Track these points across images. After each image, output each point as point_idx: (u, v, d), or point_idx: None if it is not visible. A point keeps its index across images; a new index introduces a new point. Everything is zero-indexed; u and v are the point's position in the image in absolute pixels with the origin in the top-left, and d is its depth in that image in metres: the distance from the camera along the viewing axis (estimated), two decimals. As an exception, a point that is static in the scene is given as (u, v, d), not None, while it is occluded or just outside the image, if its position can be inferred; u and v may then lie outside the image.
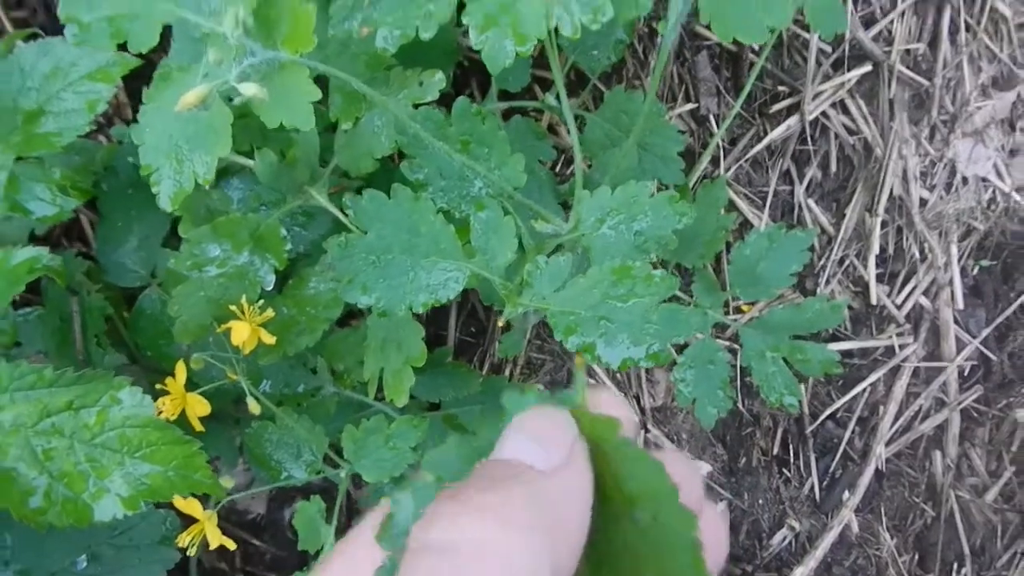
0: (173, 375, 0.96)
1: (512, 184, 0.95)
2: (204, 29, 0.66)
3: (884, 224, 1.71)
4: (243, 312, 0.95)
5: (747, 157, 1.63)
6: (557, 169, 1.53)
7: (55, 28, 1.24)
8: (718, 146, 1.64)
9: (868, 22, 1.62)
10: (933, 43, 1.66)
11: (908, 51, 1.64)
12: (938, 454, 1.70)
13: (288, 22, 0.65)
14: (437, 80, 0.92)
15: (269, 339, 0.94)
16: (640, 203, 0.91)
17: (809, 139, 1.68)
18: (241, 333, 0.93)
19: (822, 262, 1.72)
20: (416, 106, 0.94)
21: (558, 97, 1.33)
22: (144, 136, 0.70)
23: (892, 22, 1.62)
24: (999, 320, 1.72)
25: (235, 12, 0.63)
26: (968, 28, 1.65)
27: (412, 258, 0.87)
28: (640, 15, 0.92)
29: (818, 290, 1.71)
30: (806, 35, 1.58)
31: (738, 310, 1.71)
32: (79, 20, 0.72)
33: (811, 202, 1.72)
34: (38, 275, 0.77)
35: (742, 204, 1.69)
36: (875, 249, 1.69)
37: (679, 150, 1.35)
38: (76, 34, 0.71)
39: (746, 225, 1.72)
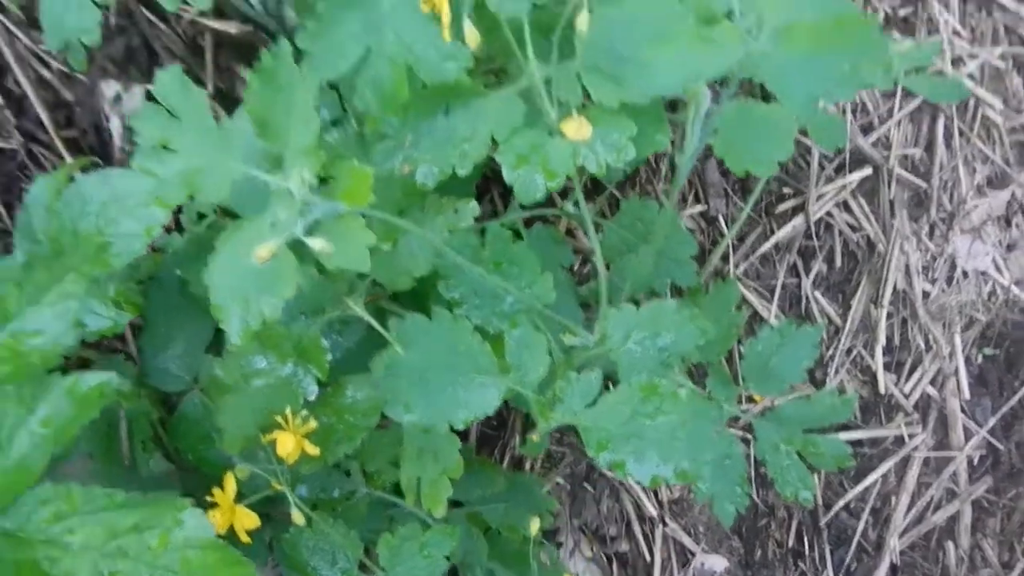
0: (212, 479, 1.00)
1: (542, 301, 1.01)
2: (272, 187, 0.73)
3: (889, 315, 1.77)
4: (287, 422, 1.00)
5: (756, 254, 1.70)
6: (575, 268, 1.59)
7: (104, 149, 1.33)
8: (727, 244, 1.71)
9: (867, 129, 1.71)
10: (929, 148, 1.75)
11: (906, 155, 1.73)
12: (951, 545, 1.72)
13: (348, 180, 0.72)
14: (471, 208, 0.99)
15: (313, 450, 0.99)
16: (664, 320, 0.97)
17: (814, 236, 1.75)
18: (286, 444, 0.98)
19: (831, 352, 1.78)
20: (451, 231, 1.01)
21: (576, 204, 1.41)
22: (215, 279, 0.77)
23: (889, 129, 1.71)
24: (1005, 409, 1.76)
25: (301, 172, 0.70)
26: (962, 133, 1.74)
27: (451, 375, 0.93)
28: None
29: (827, 380, 1.76)
30: (809, 142, 1.67)
31: (750, 399, 1.75)
32: (153, 172, 0.79)
33: (818, 294, 1.79)
34: (108, 401, 0.82)
35: (751, 297, 1.75)
36: (882, 340, 1.75)
37: (692, 253, 1.42)
38: (151, 185, 0.78)
39: (756, 316, 1.78)
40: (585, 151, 0.95)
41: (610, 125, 0.94)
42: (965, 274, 1.78)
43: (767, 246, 1.70)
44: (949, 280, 1.78)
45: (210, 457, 1.18)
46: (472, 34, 0.80)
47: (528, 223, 1.40)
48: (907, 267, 1.76)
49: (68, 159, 1.32)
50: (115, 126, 1.27)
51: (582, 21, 0.83)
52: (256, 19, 1.36)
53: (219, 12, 1.28)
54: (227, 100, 1.38)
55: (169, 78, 0.78)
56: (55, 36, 1.08)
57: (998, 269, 1.79)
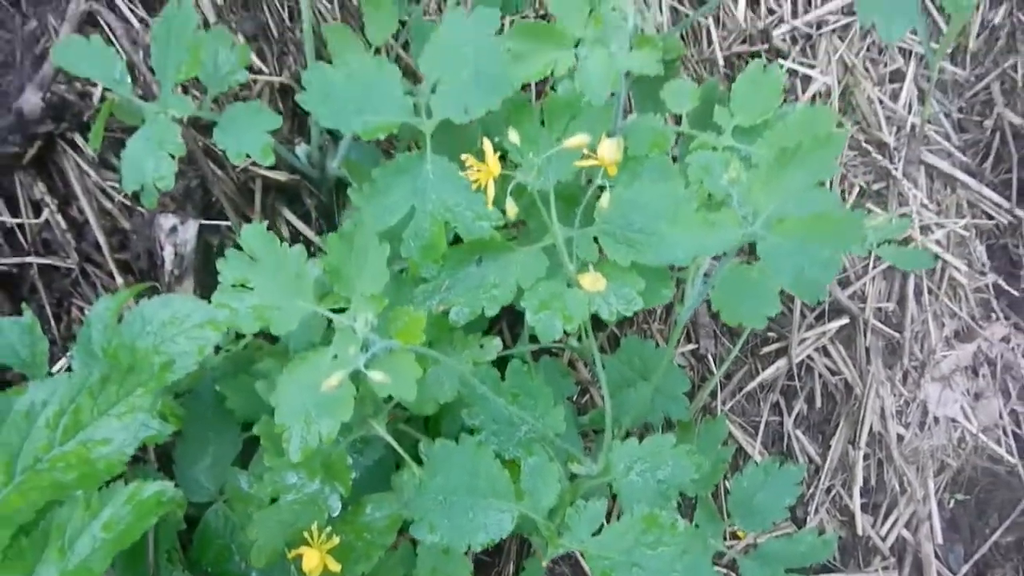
0: (233, 590, 1.07)
1: (553, 431, 1.12)
2: (337, 324, 0.85)
3: (866, 457, 1.88)
4: (312, 538, 1.08)
5: (742, 393, 1.83)
6: (574, 398, 1.70)
7: (153, 272, 1.46)
8: (716, 382, 1.83)
9: (844, 283, 1.88)
10: (901, 302, 1.91)
11: (880, 308, 1.89)
12: None
13: (404, 321, 0.84)
14: (495, 344, 1.12)
15: (335, 566, 1.06)
16: (663, 455, 1.08)
17: (796, 377, 1.88)
18: (312, 560, 1.05)
19: (811, 491, 1.87)
20: (476, 364, 1.13)
21: (580, 340, 1.53)
22: (281, 401, 0.88)
23: (865, 284, 1.88)
24: (976, 557, 1.85)
25: (366, 315, 0.83)
26: (931, 291, 1.91)
27: (472, 499, 1.03)
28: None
29: (808, 518, 1.85)
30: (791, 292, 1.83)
31: (734, 535, 1.83)
32: (229, 306, 0.91)
33: (799, 433, 1.90)
34: (165, 509, 0.91)
35: (737, 432, 1.86)
36: (859, 481, 1.85)
37: (685, 390, 1.54)
38: (227, 316, 0.90)
39: (741, 452, 1.88)
40: (599, 300, 1.08)
41: (622, 280, 1.08)
42: (936, 420, 1.91)
43: (752, 385, 1.83)
44: (922, 425, 1.90)
45: (230, 569, 1.25)
46: (512, 208, 0.95)
47: (535, 355, 1.53)
48: (882, 410, 1.89)
49: (119, 279, 1.45)
50: (168, 253, 1.40)
51: (605, 200, 0.98)
52: (301, 169, 1.53)
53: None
54: (269, 234, 1.52)
55: (254, 231, 0.91)
56: (132, 179, 1.22)
57: (967, 417, 1.91)
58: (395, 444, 1.19)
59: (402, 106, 1.17)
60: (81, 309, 1.46)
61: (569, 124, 1.16)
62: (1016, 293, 2.10)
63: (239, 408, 1.25)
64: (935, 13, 2.10)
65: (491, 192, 0.95)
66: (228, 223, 1.46)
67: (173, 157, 1.22)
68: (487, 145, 0.95)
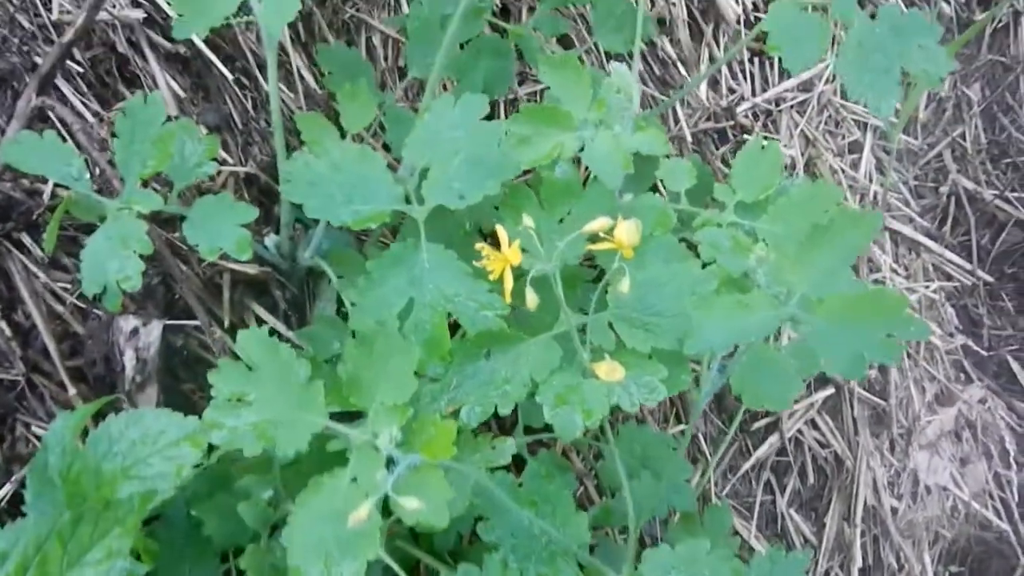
0: None
1: (577, 542, 1.03)
2: (354, 441, 0.76)
3: (862, 533, 1.83)
4: None
5: (737, 475, 1.76)
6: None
7: (110, 380, 1.33)
8: (707, 460, 1.77)
9: (828, 354, 1.86)
10: (883, 369, 1.90)
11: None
12: None
13: (431, 433, 0.75)
14: (508, 446, 1.03)
15: None
16: (699, 562, 0.99)
17: (789, 452, 1.83)
18: None
19: (809, 575, 1.80)
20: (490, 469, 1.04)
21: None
22: (295, 539, 0.77)
23: (848, 354, 1.87)
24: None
25: (390, 431, 0.73)
26: (910, 356, 1.90)
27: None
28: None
29: (811, 604, 1.78)
30: (778, 366, 1.80)
31: (739, 625, 1.73)
32: (223, 425, 0.81)
33: (793, 512, 1.84)
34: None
35: (732, 516, 1.79)
36: (858, 561, 1.79)
37: (687, 477, 1.46)
38: (222, 438, 0.80)
39: (735, 534, 1.80)
40: (619, 391, 1.01)
41: (641, 368, 1.01)
42: (928, 489, 1.87)
43: (746, 465, 1.77)
44: (914, 495, 1.87)
45: None
46: (533, 298, 0.88)
47: (532, 449, 1.44)
48: (875, 482, 1.85)
49: (71, 389, 1.31)
50: (129, 359, 1.28)
51: (625, 284, 0.92)
52: (270, 261, 1.43)
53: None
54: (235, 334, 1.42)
55: (253, 337, 0.82)
56: (94, 281, 1.12)
57: (957, 484, 1.89)
58: (394, 564, 1.08)
59: (392, 194, 1.11)
60: (28, 426, 1.31)
61: (571, 207, 1.10)
62: (982, 352, 2.12)
63: (218, 535, 1.12)
64: (884, 86, 2.16)
65: (509, 282, 0.88)
66: (195, 322, 1.34)
67: (140, 256, 1.12)
68: (501, 232, 0.89)
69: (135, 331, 1.29)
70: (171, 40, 1.39)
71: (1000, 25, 2.24)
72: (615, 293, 1.01)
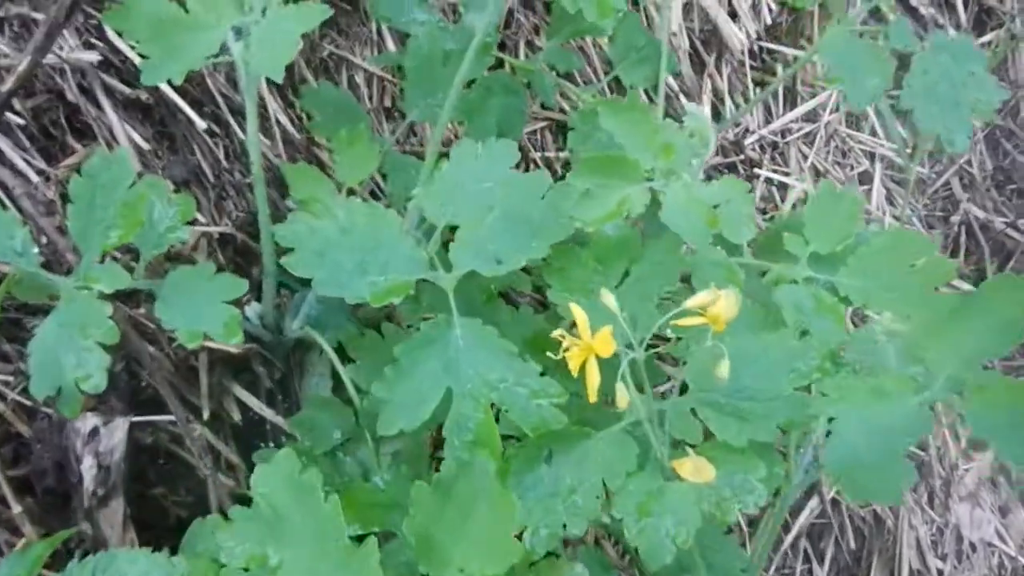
0: None
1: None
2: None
3: (906, 599, 1.68)
4: None
5: (780, 551, 1.60)
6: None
7: (63, 492, 1.09)
8: (742, 531, 1.60)
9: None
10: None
11: (901, 428, 1.74)
12: None
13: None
14: (580, 571, 0.84)
15: None
16: None
17: (828, 514, 1.67)
18: None
19: (856, 650, 1.64)
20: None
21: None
22: None
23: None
24: None
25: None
26: (946, 403, 1.77)
27: None
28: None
29: None
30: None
31: None
32: None
33: (834, 581, 1.68)
34: None
35: (769, 590, 1.62)
36: (909, 631, 1.64)
37: (743, 568, 1.29)
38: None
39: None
40: (710, 496, 0.83)
41: (735, 465, 0.84)
42: (973, 547, 1.74)
43: (789, 538, 1.60)
44: (959, 555, 1.73)
45: None
46: (624, 396, 0.70)
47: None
48: (918, 542, 1.70)
49: (15, 506, 1.07)
50: (88, 467, 1.05)
51: (724, 369, 0.75)
52: (252, 333, 1.22)
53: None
54: (219, 423, 1.20)
55: (274, 475, 0.61)
56: (46, 381, 0.90)
57: (1001, 538, 1.76)
58: None
59: (414, 260, 0.92)
60: (-41, 554, 1.07)
61: (630, 267, 0.93)
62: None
63: None
64: (884, 114, 2.06)
65: (594, 378, 0.70)
66: (167, 417, 1.13)
67: (103, 346, 0.90)
68: (579, 314, 0.71)
69: (95, 432, 1.07)
70: (130, 85, 1.19)
71: (997, 49, 2.17)
72: (700, 375, 0.84)
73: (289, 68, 1.47)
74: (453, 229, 0.98)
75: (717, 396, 0.85)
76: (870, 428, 0.72)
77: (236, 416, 1.22)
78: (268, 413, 1.24)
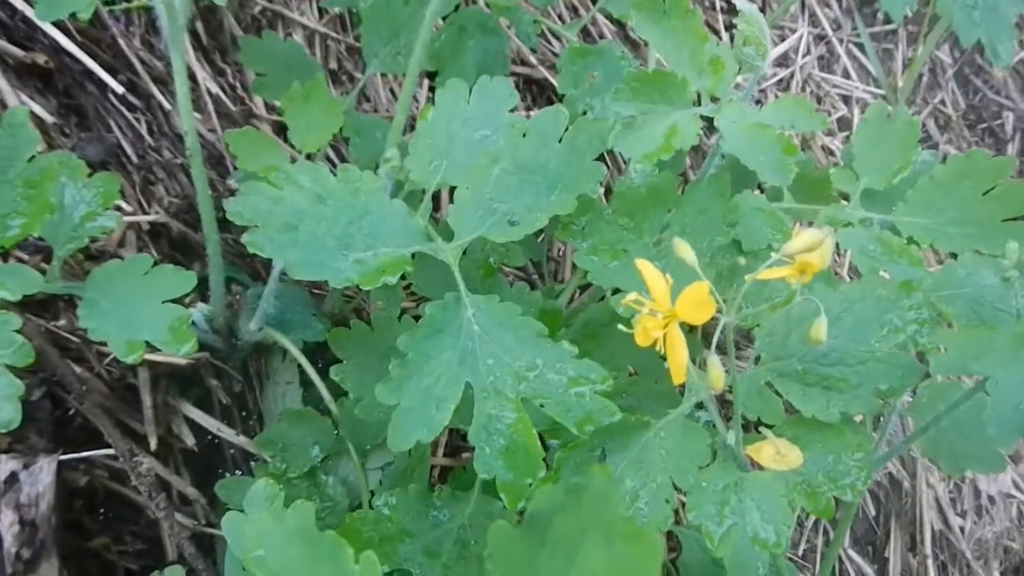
0: None
1: None
2: None
3: (925, 561, 1.58)
4: None
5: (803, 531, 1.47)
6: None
7: None
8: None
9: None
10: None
11: (912, 383, 1.63)
12: None
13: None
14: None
15: None
16: None
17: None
18: None
19: (884, 621, 1.54)
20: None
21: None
22: None
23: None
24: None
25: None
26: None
27: None
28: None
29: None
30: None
31: None
32: None
33: (853, 553, 1.56)
34: None
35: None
36: (937, 598, 1.54)
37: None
38: None
39: (792, 587, 1.51)
40: (798, 485, 0.68)
41: (826, 445, 0.69)
42: (992, 500, 1.65)
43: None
44: (979, 510, 1.64)
45: None
46: (717, 372, 0.54)
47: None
48: (937, 502, 1.60)
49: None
50: (7, 523, 0.84)
51: (821, 330, 0.59)
52: (201, 340, 1.02)
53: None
54: (170, 451, 1.00)
55: (275, 525, 0.43)
56: (-60, 419, 0.69)
57: (1018, 487, 1.67)
58: None
59: (408, 230, 0.74)
60: None
61: (668, 220, 0.77)
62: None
63: None
64: (861, 57, 1.96)
65: (682, 352, 0.54)
66: (106, 451, 0.92)
67: (14, 370, 0.70)
68: (648, 270, 0.54)
69: (12, 479, 0.86)
70: (24, 47, 0.97)
71: (960, -17, 2.08)
72: (775, 341, 0.68)
73: (217, 29, 1.27)
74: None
75: (795, 364, 0.70)
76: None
77: (189, 440, 1.02)
78: (227, 433, 1.05)
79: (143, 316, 0.76)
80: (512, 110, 0.81)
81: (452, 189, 0.78)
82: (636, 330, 0.55)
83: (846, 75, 1.92)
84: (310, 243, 0.69)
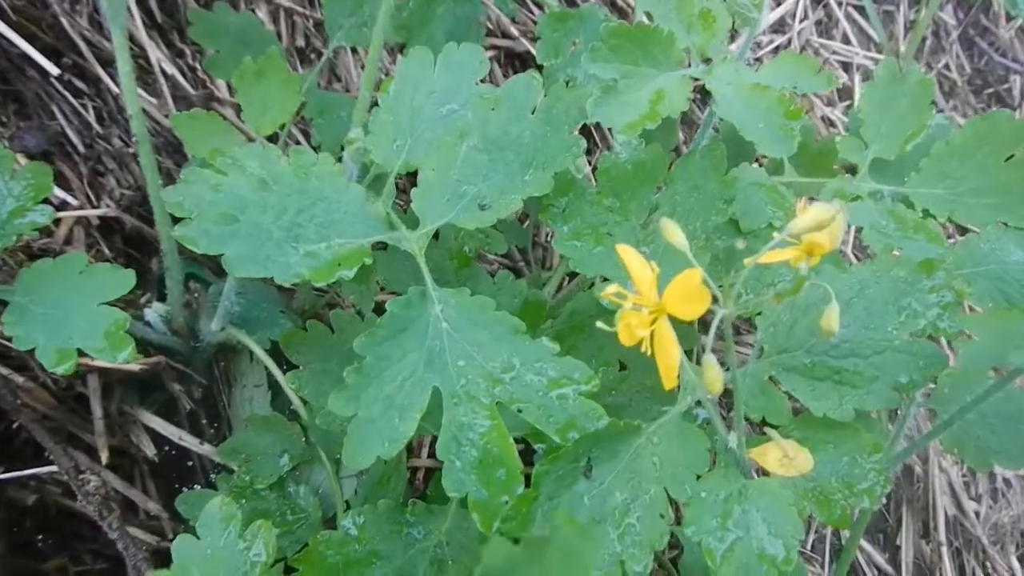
0: None
1: None
2: None
3: (939, 548, 1.51)
4: None
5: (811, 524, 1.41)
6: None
7: None
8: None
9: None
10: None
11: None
12: None
13: None
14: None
15: None
16: None
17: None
18: None
19: (897, 612, 1.47)
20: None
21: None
22: None
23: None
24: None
25: None
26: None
27: None
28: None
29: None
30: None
31: None
32: None
33: (863, 543, 1.50)
34: None
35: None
36: (952, 585, 1.47)
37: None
38: None
39: (799, 580, 1.45)
40: (811, 490, 0.61)
41: (839, 447, 0.61)
42: (1008, 483, 1.58)
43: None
44: (994, 493, 1.57)
45: None
46: (713, 374, 0.46)
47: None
48: (951, 487, 1.53)
49: None
50: (-55, 550, 0.77)
51: (832, 319, 0.51)
52: (159, 343, 0.95)
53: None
54: (129, 462, 0.93)
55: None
56: None
57: (1034, 469, 1.61)
58: None
59: (366, 216, 0.66)
60: None
61: (659, 199, 0.69)
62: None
63: None
64: (861, 20, 1.87)
65: (673, 351, 0.46)
66: (51, 468, 0.84)
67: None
68: (629, 255, 0.47)
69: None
70: (-52, 28, 0.89)
71: (963, -58, 1.99)
72: (779, 332, 0.61)
73: (173, 6, 1.18)
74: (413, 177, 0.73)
75: (802, 356, 0.62)
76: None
77: (150, 451, 0.95)
78: (191, 442, 0.97)
79: (76, 321, 0.68)
80: (484, 82, 0.73)
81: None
82: (619, 328, 0.48)
83: (846, 40, 1.83)
84: (253, 235, 0.61)
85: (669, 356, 0.46)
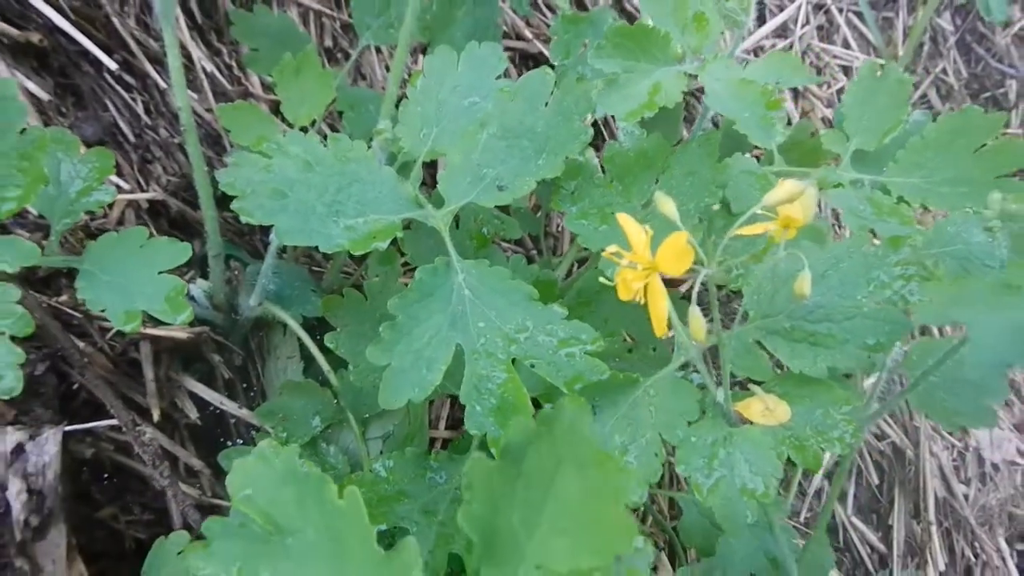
0: None
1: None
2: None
3: (929, 528, 1.59)
4: None
5: (809, 494, 1.48)
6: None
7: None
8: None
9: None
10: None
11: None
12: None
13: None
14: (641, 546, 0.69)
15: None
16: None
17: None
18: None
19: (888, 586, 1.54)
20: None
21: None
22: None
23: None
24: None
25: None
26: (956, 321, 1.68)
27: None
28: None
29: (898, 619, 1.52)
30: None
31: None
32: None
33: (856, 521, 1.57)
34: None
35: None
36: (939, 565, 1.55)
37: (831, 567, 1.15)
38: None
39: (795, 557, 1.52)
40: (786, 439, 0.69)
41: (814, 400, 0.69)
42: (996, 467, 1.65)
43: (814, 484, 1.49)
44: (982, 477, 1.64)
45: None
46: (697, 323, 0.54)
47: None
48: (941, 470, 1.61)
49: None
50: (16, 493, 0.86)
51: (805, 284, 0.59)
52: (201, 316, 1.04)
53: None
54: (173, 424, 1.02)
55: (263, 465, 0.44)
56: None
57: (1022, 454, 1.68)
58: None
59: (398, 196, 0.75)
60: None
61: (657, 181, 0.78)
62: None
63: None
64: (861, 26, 1.95)
65: (662, 304, 0.54)
66: (108, 421, 0.94)
67: (16, 341, 0.72)
68: (629, 223, 0.55)
69: (19, 450, 0.87)
70: (19, 27, 0.98)
71: (961, -51, 2.07)
72: (762, 298, 0.69)
73: (212, 8, 1.28)
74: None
75: (783, 321, 0.70)
76: (1012, 329, 0.58)
77: (192, 414, 1.04)
78: (230, 406, 1.06)
79: (140, 287, 0.77)
80: (502, 78, 0.82)
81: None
82: (617, 283, 0.56)
83: (846, 45, 1.91)
84: (300, 210, 0.70)
85: (659, 307, 0.54)
